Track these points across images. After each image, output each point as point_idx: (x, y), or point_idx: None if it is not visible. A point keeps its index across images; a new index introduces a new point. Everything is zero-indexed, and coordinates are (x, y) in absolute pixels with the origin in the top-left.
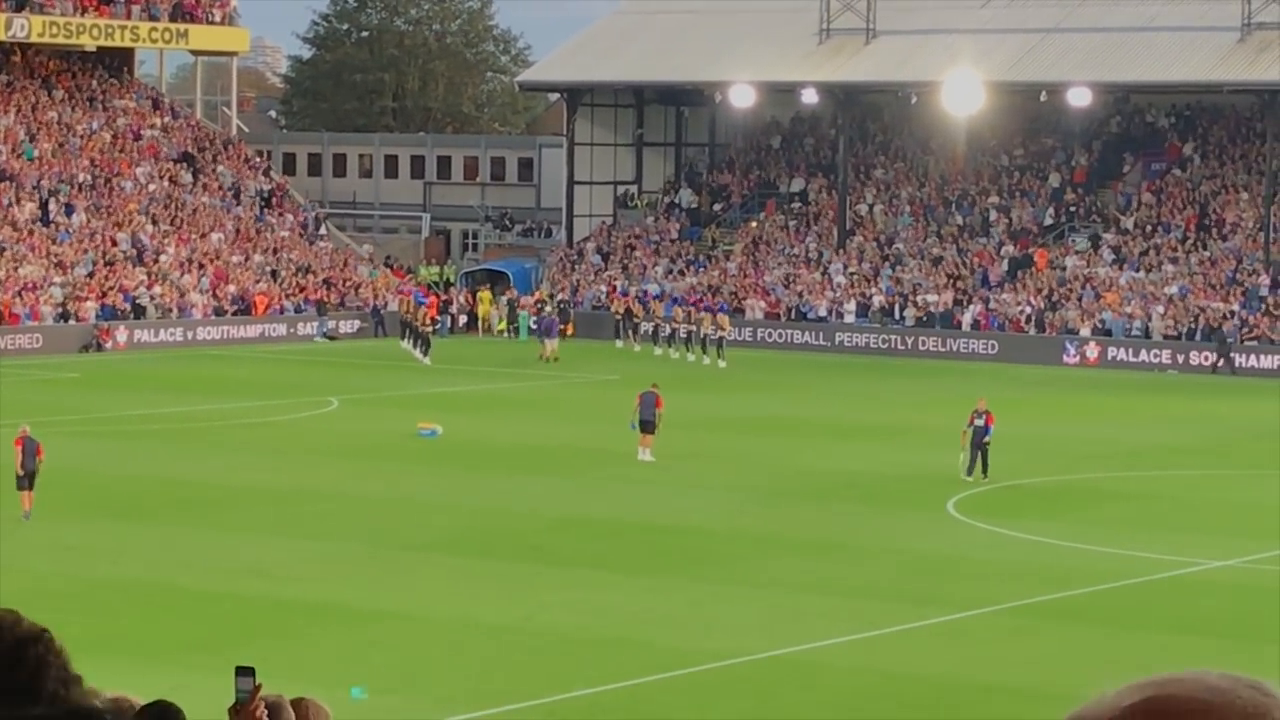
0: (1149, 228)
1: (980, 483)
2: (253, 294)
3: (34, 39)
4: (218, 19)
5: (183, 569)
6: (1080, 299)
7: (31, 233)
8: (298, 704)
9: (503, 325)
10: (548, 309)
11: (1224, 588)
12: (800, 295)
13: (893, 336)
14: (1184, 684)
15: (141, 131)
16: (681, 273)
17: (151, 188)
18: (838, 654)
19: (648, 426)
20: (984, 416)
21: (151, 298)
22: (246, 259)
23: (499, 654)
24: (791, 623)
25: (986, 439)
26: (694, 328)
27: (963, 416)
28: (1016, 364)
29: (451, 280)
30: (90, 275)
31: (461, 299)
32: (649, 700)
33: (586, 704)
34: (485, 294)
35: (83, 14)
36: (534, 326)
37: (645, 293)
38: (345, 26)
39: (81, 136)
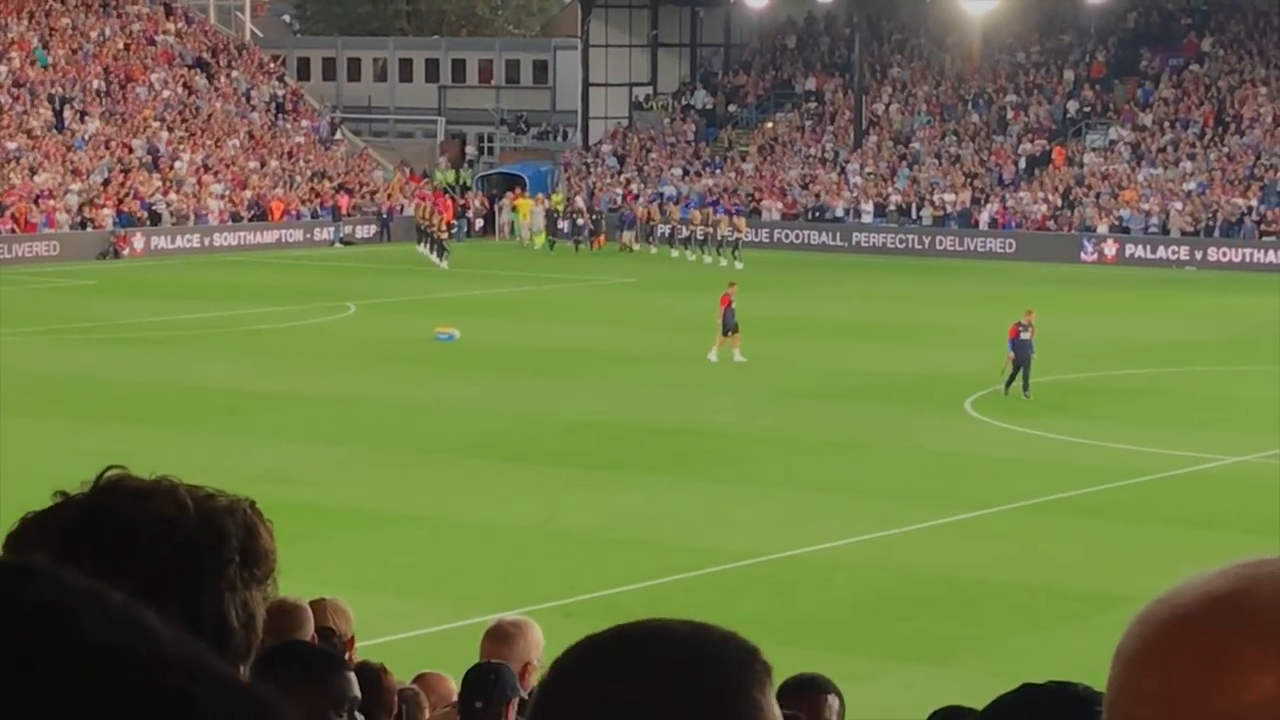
0: (1166, 124)
1: (1023, 401)
2: (269, 200)
3: None
4: None
5: (200, 474)
6: (1098, 196)
7: (47, 140)
8: (317, 604)
9: (541, 238)
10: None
11: (1243, 483)
12: (817, 196)
13: (910, 236)
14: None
15: (155, 37)
16: (698, 174)
17: (166, 94)
18: (855, 553)
19: (726, 328)
20: (1029, 329)
21: (167, 204)
22: (262, 165)
23: (518, 556)
24: (808, 522)
25: (1032, 353)
26: (710, 230)
27: (983, 316)
28: (1034, 262)
29: (468, 184)
30: (106, 182)
31: (478, 203)
32: (668, 600)
33: (605, 604)
34: (525, 202)
35: None
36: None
37: (661, 195)
38: None
39: (95, 43)
